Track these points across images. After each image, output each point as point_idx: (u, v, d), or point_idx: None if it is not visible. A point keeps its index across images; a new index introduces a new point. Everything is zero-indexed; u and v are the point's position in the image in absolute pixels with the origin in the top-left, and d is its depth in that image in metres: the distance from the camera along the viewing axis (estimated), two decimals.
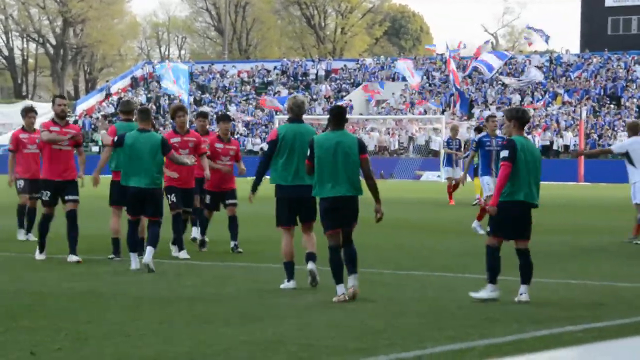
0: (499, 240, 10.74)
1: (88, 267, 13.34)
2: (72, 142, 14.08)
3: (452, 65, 50.98)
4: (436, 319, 9.45)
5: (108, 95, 74.21)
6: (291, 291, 11.21)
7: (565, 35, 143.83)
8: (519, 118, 10.82)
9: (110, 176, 14.50)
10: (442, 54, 69.60)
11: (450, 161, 28.21)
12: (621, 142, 21.55)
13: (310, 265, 11.36)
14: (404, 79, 64.75)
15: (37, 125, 16.19)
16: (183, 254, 14.41)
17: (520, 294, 10.55)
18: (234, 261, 14.15)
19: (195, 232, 15.88)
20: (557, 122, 57.64)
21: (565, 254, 15.75)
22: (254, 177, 11.65)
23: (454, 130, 29.48)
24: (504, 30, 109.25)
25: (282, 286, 11.42)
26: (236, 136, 59.65)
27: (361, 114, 64.86)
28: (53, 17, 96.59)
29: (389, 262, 14.13)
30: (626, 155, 17.26)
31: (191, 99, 70.31)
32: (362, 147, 10.95)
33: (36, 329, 8.73)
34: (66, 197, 14.02)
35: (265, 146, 12.69)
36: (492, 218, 10.72)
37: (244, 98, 70.22)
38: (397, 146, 60.64)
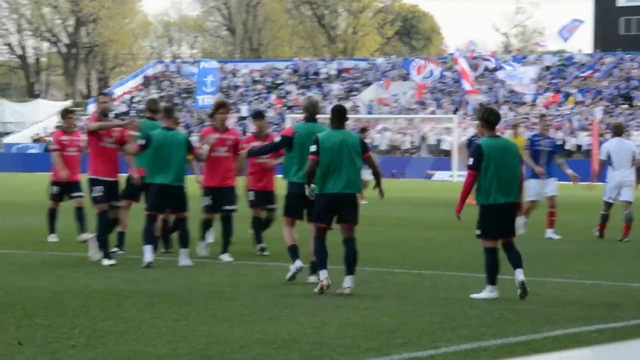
0: (493, 242, 10.81)
1: (101, 265, 13.37)
2: (118, 140, 13.70)
3: (464, 65, 50.73)
4: (449, 318, 9.47)
5: (113, 99, 74.30)
6: (305, 290, 11.21)
7: (578, 35, 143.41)
8: (485, 119, 10.91)
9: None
10: (452, 54, 69.64)
11: None
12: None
13: (297, 264, 11.81)
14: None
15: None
16: (225, 257, 14.05)
17: (517, 278, 10.71)
18: (248, 260, 14.18)
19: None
20: (570, 122, 57.55)
21: (579, 254, 15.74)
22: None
23: (478, 127, 29.03)
24: (516, 29, 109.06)
25: (290, 271, 11.79)
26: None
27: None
28: (65, 16, 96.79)
29: (402, 262, 14.15)
30: (608, 157, 17.83)
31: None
32: (364, 146, 11.30)
33: (52, 326, 8.78)
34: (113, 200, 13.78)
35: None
36: (481, 221, 10.87)
37: (255, 97, 70.28)
38: (409, 146, 60.60)
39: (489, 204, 10.74)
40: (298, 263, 11.75)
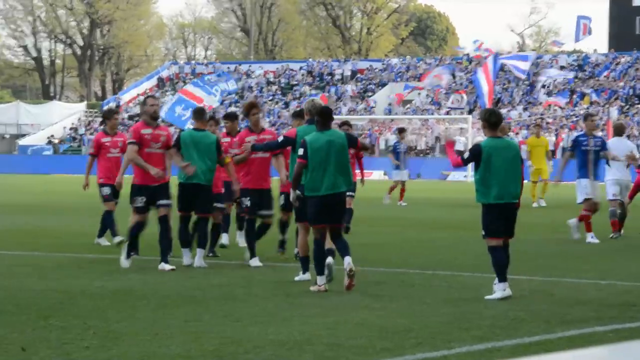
0: (498, 240, 10.92)
1: (117, 266, 13.41)
2: (164, 144, 13.34)
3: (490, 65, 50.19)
4: (463, 318, 9.45)
5: (118, 106, 74.29)
6: (318, 291, 11.22)
7: (593, 35, 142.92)
8: (486, 120, 11.05)
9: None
10: (468, 54, 69.56)
11: None
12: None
13: (329, 260, 11.71)
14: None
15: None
16: (254, 262, 13.59)
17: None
18: (262, 261, 14.17)
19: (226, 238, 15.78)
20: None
21: (594, 253, 15.68)
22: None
23: (503, 128, 28.42)
24: (531, 30, 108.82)
25: (296, 278, 11.98)
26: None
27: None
28: (80, 18, 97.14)
29: (416, 262, 14.13)
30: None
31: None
32: (351, 139, 11.83)
33: (66, 328, 8.81)
34: (158, 202, 13.31)
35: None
36: (483, 221, 10.99)
37: (270, 98, 70.33)
38: (423, 146, 60.53)
39: (489, 203, 10.86)
40: (307, 276, 11.96)
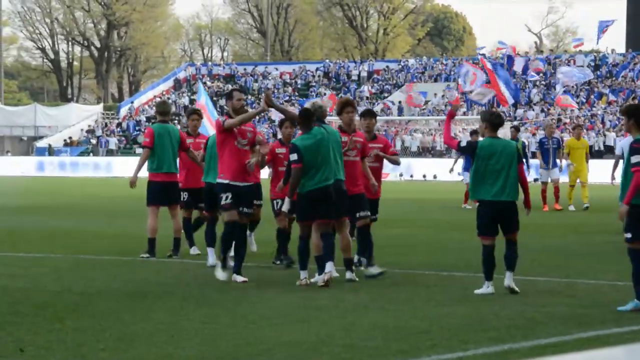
0: (488, 239, 11.20)
1: (133, 268, 13.44)
2: (251, 141, 12.55)
3: (488, 65, 49.92)
4: (479, 320, 9.41)
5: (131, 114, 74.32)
6: (334, 292, 11.21)
7: (611, 35, 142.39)
8: (489, 120, 11.28)
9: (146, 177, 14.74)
10: (484, 54, 69.39)
11: (546, 162, 25.52)
12: None
13: (349, 275, 11.97)
14: (446, 79, 64.49)
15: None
16: (374, 269, 12.59)
17: (505, 281, 11.11)
18: (276, 261, 14.16)
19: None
20: (602, 122, 57.14)
21: (612, 254, 15.60)
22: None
23: (549, 128, 27.10)
24: (548, 30, 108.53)
25: (313, 280, 11.90)
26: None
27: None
28: (97, 20, 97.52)
29: (432, 263, 14.09)
30: (621, 155, 17.89)
31: None
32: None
33: (82, 329, 8.82)
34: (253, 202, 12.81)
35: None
36: (477, 219, 11.34)
37: (286, 99, 70.38)
38: (440, 147, 60.43)
39: (482, 199, 11.19)
40: (330, 268, 11.70)
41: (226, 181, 12.21)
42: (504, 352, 8.02)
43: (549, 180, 25.67)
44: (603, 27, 59.42)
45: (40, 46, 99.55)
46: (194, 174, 15.00)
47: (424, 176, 52.60)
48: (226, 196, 12.16)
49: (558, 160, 25.63)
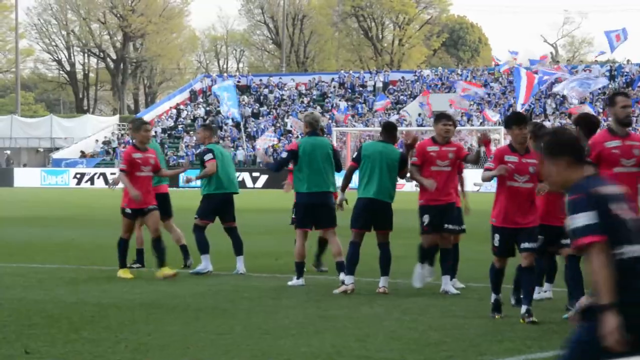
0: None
1: (148, 279, 13.45)
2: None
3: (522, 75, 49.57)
4: (495, 331, 9.38)
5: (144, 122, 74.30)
6: (349, 302, 11.20)
7: (627, 45, 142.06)
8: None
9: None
10: (501, 64, 69.31)
11: None
12: None
13: (342, 276, 12.31)
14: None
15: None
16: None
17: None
18: (291, 273, 14.15)
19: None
20: None
21: None
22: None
23: None
24: (564, 40, 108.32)
25: (290, 283, 12.69)
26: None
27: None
28: (113, 32, 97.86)
29: None
30: None
31: (249, 111, 70.76)
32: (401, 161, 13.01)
33: (97, 340, 8.83)
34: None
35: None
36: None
37: (302, 110, 70.42)
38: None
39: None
40: (301, 281, 12.73)
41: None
42: None
43: None
44: (611, 36, 59.21)
45: (57, 58, 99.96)
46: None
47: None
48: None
49: None
